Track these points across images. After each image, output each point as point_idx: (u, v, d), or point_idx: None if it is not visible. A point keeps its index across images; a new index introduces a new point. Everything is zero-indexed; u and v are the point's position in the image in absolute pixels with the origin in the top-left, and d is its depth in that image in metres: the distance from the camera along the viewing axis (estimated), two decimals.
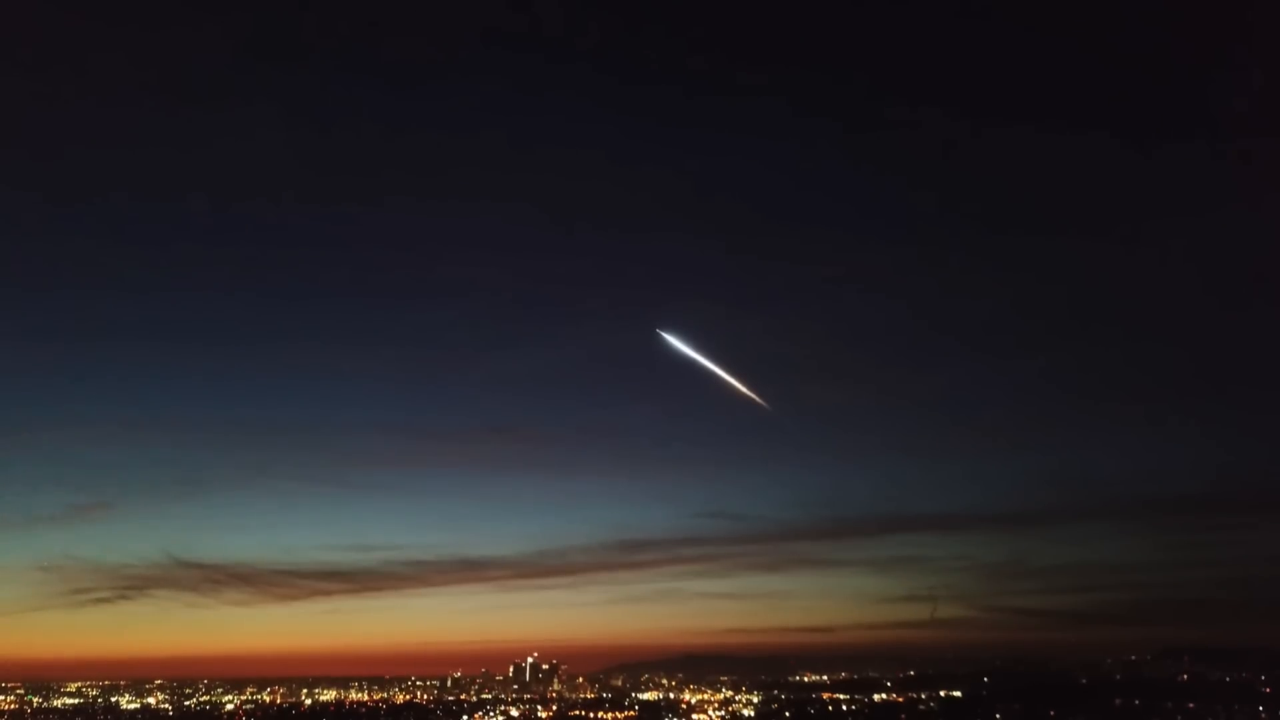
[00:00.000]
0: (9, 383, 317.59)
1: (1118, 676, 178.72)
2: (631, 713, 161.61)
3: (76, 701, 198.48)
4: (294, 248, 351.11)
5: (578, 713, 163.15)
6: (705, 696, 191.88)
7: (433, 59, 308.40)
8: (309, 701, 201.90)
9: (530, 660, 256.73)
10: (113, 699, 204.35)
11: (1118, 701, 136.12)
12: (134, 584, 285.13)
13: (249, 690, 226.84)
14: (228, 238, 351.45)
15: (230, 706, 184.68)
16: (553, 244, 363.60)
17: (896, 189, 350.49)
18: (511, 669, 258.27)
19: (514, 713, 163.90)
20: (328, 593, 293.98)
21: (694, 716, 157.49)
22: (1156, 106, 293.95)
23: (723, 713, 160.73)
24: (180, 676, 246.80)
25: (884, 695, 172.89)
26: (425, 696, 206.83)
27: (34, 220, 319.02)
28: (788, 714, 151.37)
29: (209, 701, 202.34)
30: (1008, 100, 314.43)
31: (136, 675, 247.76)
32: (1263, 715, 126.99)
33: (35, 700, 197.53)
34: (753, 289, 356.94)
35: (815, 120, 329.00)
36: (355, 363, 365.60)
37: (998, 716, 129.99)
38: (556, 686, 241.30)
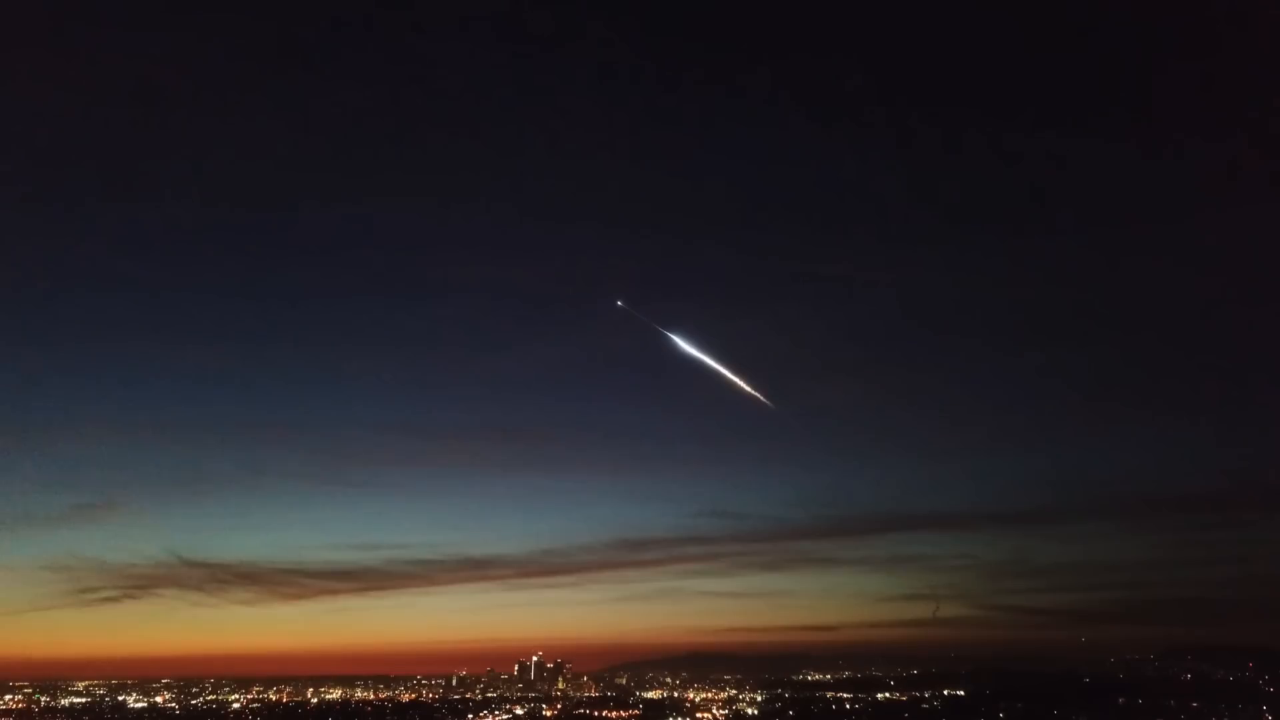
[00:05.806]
0: (13, 383, 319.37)
1: (1121, 675, 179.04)
2: (636, 711, 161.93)
3: (84, 700, 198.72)
4: (298, 249, 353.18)
5: (582, 711, 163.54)
6: (709, 695, 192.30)
7: (429, 62, 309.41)
8: (315, 700, 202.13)
9: (535, 659, 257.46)
10: (120, 698, 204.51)
11: (1121, 700, 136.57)
12: (140, 583, 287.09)
13: (255, 689, 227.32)
14: (231, 240, 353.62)
15: (237, 705, 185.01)
16: (553, 244, 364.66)
17: (898, 189, 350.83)
18: (516, 668, 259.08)
19: (519, 711, 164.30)
20: (333, 592, 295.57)
21: (698, 715, 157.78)
22: (1158, 107, 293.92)
23: (726, 711, 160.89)
24: (187, 675, 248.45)
25: (887, 694, 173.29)
26: (431, 695, 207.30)
27: (37, 222, 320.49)
28: (791, 713, 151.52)
29: (215, 700, 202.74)
30: (1009, 101, 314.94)
31: (143, 674, 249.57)
32: (1266, 714, 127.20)
33: (43, 699, 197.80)
34: (755, 288, 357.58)
35: (817, 120, 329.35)
36: (360, 363, 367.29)
37: (1001, 716, 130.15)
38: (561, 685, 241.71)
